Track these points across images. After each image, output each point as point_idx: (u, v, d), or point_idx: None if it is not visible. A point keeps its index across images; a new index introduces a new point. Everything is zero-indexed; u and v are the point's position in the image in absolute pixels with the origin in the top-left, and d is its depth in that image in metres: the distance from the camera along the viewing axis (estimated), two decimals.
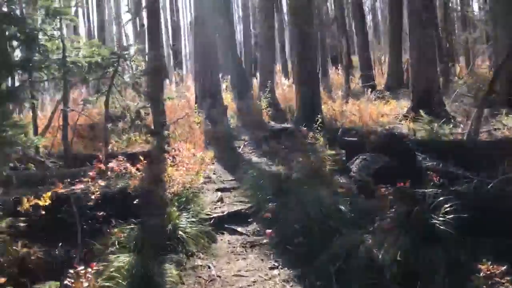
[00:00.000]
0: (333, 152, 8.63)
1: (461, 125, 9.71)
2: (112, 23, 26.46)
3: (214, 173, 8.23)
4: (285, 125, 12.54)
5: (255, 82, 19.43)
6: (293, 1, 11.38)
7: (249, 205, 6.36)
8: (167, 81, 14.96)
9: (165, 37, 25.07)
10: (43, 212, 4.58)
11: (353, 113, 12.31)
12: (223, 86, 16.06)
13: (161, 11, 26.11)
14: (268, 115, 14.59)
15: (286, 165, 8.41)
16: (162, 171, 6.04)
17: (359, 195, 5.92)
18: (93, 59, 6.84)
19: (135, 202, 5.32)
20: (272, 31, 16.76)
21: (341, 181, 6.82)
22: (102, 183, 5.22)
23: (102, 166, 6.62)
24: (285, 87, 17.52)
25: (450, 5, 21.90)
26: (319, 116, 10.96)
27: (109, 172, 6.70)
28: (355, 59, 23.91)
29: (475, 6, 28.38)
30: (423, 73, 11.98)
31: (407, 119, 11.46)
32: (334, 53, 24.64)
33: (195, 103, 13.06)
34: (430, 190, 4.80)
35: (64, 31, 8.34)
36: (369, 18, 23.74)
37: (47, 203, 4.55)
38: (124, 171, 6.70)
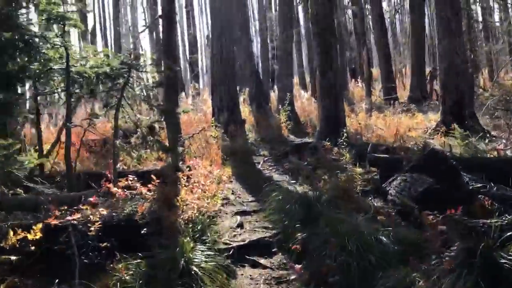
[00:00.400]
0: (362, 170, 7.77)
1: (500, 140, 8.76)
2: (129, 36, 26.05)
3: (232, 193, 7.41)
4: (307, 139, 11.71)
5: (273, 95, 18.68)
6: (314, 9, 10.60)
7: (273, 231, 5.52)
8: (183, 94, 14.29)
9: (181, 49, 24.53)
10: (33, 248, 3.81)
11: (379, 127, 11.42)
12: (241, 99, 15.33)
13: (177, 24, 25.62)
14: (287, 129, 13.80)
15: (312, 185, 7.56)
16: (175, 194, 5.26)
17: (400, 222, 5.04)
18: (101, 69, 6.12)
19: (143, 231, 4.53)
20: (290, 43, 16.02)
21: (376, 204, 5.95)
22: (103, 211, 4.42)
23: (111, 186, 5.89)
24: (304, 100, 16.72)
25: (473, 15, 20.96)
26: (343, 130, 10.12)
27: (117, 193, 5.98)
28: (375, 71, 23.06)
29: (496, 17, 27.34)
30: (453, 85, 11.07)
31: (438, 134, 10.53)
32: (353, 66, 23.84)
33: (212, 116, 12.31)
34: (495, 221, 3.91)
35: (75, 41, 7.66)
36: (388, 29, 22.84)
37: (37, 237, 3.78)
38: (134, 192, 5.99)
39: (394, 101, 17.41)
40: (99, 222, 4.23)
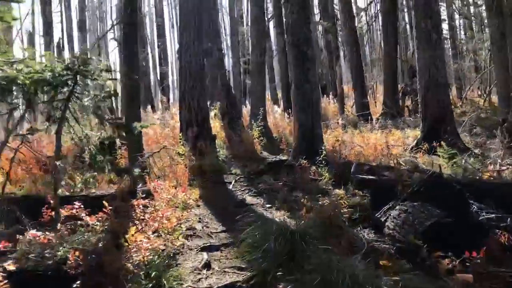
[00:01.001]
0: (345, 193, 6.74)
1: (491, 159, 7.89)
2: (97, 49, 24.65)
3: (199, 220, 6.22)
4: (281, 157, 10.64)
5: (245, 110, 17.62)
6: (289, 19, 9.63)
7: (248, 274, 4.36)
8: (149, 107, 13.06)
9: (151, 62, 23.25)
10: None
11: (357, 144, 10.46)
12: (212, 113, 14.19)
13: (148, 38, 24.42)
14: (260, 145, 12.72)
15: (290, 210, 6.48)
16: (124, 230, 4.07)
17: (404, 264, 3.97)
18: (39, 75, 4.90)
19: (75, 285, 3.31)
20: (263, 57, 15.04)
21: (369, 237, 4.89)
22: (10, 266, 3.19)
23: (50, 214, 4.69)
24: (277, 115, 15.71)
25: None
26: (321, 147, 9.11)
27: (59, 224, 4.76)
28: (345, 88, 22.32)
29: (463, 35, 27.24)
30: (434, 99, 10.26)
31: (419, 151, 9.64)
32: (324, 82, 23.07)
33: (180, 131, 11.11)
34: None
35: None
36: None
37: None
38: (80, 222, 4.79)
39: (368, 117, 16.63)
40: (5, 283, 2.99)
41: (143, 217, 4.68)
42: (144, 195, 5.85)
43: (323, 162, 8.38)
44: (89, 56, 5.34)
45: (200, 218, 6.26)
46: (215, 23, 17.69)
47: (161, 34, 23.80)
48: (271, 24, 24.05)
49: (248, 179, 9.15)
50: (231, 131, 12.93)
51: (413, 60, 20.49)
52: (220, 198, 7.66)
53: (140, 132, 8.21)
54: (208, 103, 13.32)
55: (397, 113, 15.82)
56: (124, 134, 5.14)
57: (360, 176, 6.57)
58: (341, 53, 25.16)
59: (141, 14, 19.90)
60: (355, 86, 17.75)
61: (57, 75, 5.10)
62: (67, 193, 6.06)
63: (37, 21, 25.12)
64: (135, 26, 8.81)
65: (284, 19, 10.50)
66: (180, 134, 10.96)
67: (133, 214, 5.00)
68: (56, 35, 21.82)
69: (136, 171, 5.89)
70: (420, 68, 10.47)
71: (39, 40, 23.20)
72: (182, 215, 5.84)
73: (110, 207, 4.84)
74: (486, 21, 15.97)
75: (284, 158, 10.00)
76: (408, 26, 23.26)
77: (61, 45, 21.96)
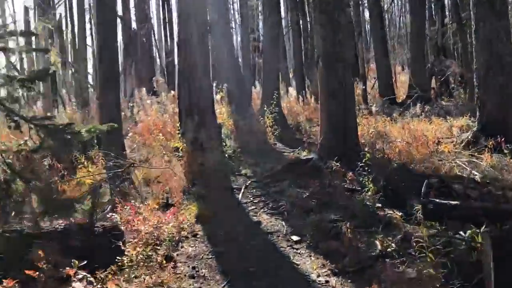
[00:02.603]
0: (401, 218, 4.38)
1: None
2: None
3: (192, 275, 3.85)
4: (302, 153, 8.26)
5: (255, 93, 15.15)
6: None
7: None
8: (143, 90, 10.61)
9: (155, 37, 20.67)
10: None
11: (395, 136, 8.02)
12: (217, 97, 11.78)
13: (151, 7, 21.79)
14: (273, 135, 10.35)
15: (330, 254, 4.12)
16: None
17: None
18: None
19: None
20: (276, 30, 12.48)
21: None
22: None
23: None
24: (292, 99, 13.24)
25: None
26: (357, 144, 6.74)
27: None
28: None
29: None
30: (496, 82, 7.77)
31: (479, 149, 7.21)
32: None
33: (179, 121, 8.74)
34: None
35: None
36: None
37: None
38: None
39: (394, 101, 14.14)
40: None
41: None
42: (109, 233, 3.54)
43: (363, 165, 6.00)
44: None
45: (194, 268, 3.91)
46: None
47: (167, 4, 21.18)
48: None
49: (261, 185, 6.80)
50: (240, 119, 10.54)
51: (439, 37, 17.90)
52: (226, 219, 5.33)
53: (119, 129, 5.87)
54: (213, 85, 10.93)
55: (427, 97, 13.27)
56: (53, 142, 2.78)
57: (439, 202, 4.16)
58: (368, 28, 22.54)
59: None
60: (379, 65, 15.16)
61: None
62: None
63: None
64: None
65: None
66: (179, 124, 8.62)
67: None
68: None
69: (87, 204, 3.56)
70: (480, 42, 7.94)
71: None
72: (160, 276, 3.50)
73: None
74: None
75: (308, 156, 7.60)
76: None
77: None
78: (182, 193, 6.20)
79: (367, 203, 5.22)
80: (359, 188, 5.83)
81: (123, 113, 10.94)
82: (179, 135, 8.12)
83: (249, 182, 6.98)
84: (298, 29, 17.48)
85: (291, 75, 20.48)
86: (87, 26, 15.71)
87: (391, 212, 5.01)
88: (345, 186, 5.99)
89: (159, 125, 9.36)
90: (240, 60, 15.65)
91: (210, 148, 7.83)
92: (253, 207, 5.81)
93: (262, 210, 5.67)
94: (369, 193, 5.47)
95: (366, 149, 7.19)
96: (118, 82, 6.35)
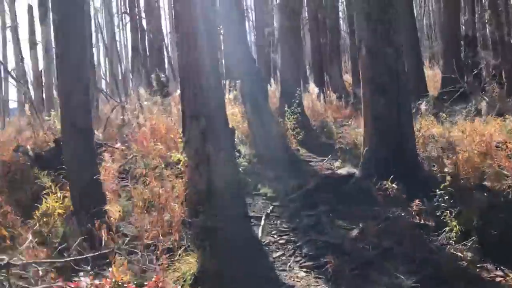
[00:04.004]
0: None
1: None
2: None
3: None
4: (337, 164, 6.30)
5: (271, 91, 13.16)
6: None
7: None
8: (141, 89, 8.66)
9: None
10: None
11: (462, 144, 5.95)
12: (229, 96, 9.85)
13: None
14: (295, 139, 8.40)
15: None
16: None
17: None
18: None
19: None
20: (297, 19, 10.49)
21: None
22: None
23: None
24: (314, 96, 11.22)
25: None
26: (414, 155, 4.75)
27: None
28: None
29: None
30: None
31: None
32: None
33: (182, 126, 6.81)
34: None
35: None
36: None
37: None
38: None
39: (427, 96, 12.00)
40: None
41: None
42: None
43: (441, 192, 3.98)
44: None
45: None
46: None
47: None
48: None
49: (288, 212, 4.86)
50: (256, 121, 8.59)
51: (469, 27, 15.65)
52: (240, 279, 3.39)
53: (88, 139, 4.00)
54: (225, 82, 9.05)
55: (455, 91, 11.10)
56: None
57: None
58: None
59: None
60: (408, 56, 12.97)
61: None
62: None
63: None
64: None
65: None
66: (182, 130, 6.71)
67: None
68: None
69: None
70: None
71: None
72: None
73: None
74: None
75: (344, 168, 5.63)
76: None
77: None
78: (180, 228, 4.32)
79: (456, 253, 3.25)
80: (433, 224, 3.86)
81: (122, 117, 9.11)
82: (182, 145, 6.23)
83: (271, 207, 5.05)
84: (316, 21, 15.46)
85: (308, 72, 18.45)
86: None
87: (499, 273, 3.03)
88: (412, 220, 4.01)
89: (161, 131, 7.47)
90: (255, 54, 13.67)
91: (220, 161, 5.90)
92: (279, 253, 3.88)
93: (293, 259, 3.73)
94: (452, 233, 3.50)
95: (423, 161, 5.20)
96: (86, 79, 4.45)
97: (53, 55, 10.22)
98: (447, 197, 3.65)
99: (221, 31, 10.50)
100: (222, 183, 5.34)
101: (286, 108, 8.62)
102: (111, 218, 3.84)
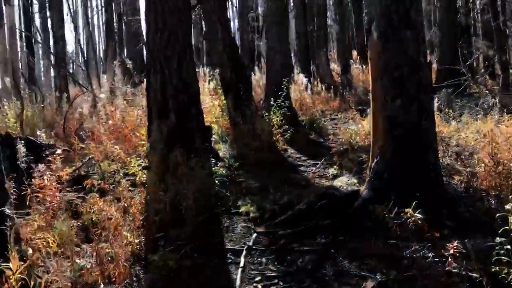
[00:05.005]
0: None
1: None
2: None
3: None
4: (333, 171, 5.09)
5: (254, 81, 11.81)
6: None
7: None
8: (104, 79, 7.08)
9: None
10: None
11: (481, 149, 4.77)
12: (208, 85, 8.48)
13: None
14: (282, 138, 7.15)
15: None
16: None
17: None
18: None
19: None
20: (284, 3, 9.12)
21: None
22: None
23: None
24: (302, 88, 9.91)
25: None
26: (438, 171, 3.54)
27: None
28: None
29: None
30: None
31: None
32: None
33: (148, 123, 5.46)
34: None
35: None
36: None
37: None
38: None
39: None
40: None
41: None
42: None
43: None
44: None
45: None
46: None
47: None
48: None
49: (276, 243, 3.59)
50: (238, 116, 7.28)
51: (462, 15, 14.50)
52: None
53: None
54: (201, 70, 7.68)
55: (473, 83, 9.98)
56: None
57: None
58: None
59: None
60: None
61: None
62: None
63: None
64: None
65: None
66: (148, 129, 5.35)
67: None
68: None
69: None
70: None
71: None
72: None
73: None
74: None
75: (356, 188, 4.35)
76: None
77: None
78: (128, 270, 3.05)
79: None
80: (478, 277, 2.66)
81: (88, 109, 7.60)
82: (144, 148, 4.91)
83: (254, 235, 3.78)
84: (302, 7, 14.07)
85: (293, 60, 17.11)
86: None
87: None
88: (448, 268, 2.80)
89: (124, 130, 6.07)
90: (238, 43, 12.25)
91: (191, 171, 4.60)
92: None
93: None
94: None
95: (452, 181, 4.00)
96: None
97: None
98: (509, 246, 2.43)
99: (202, 14, 9.08)
100: (192, 201, 4.07)
101: (272, 102, 7.32)
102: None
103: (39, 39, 15.28)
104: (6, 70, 11.66)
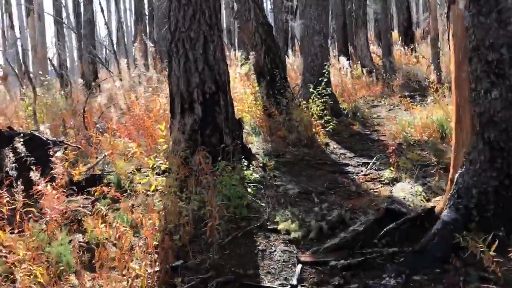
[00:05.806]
0: None
1: None
2: None
3: None
4: (389, 174, 4.10)
5: (289, 65, 10.77)
6: None
7: None
8: (124, 62, 6.30)
9: None
10: None
11: None
12: (240, 71, 7.53)
13: None
14: (323, 130, 6.16)
15: None
16: None
17: None
18: None
19: None
20: None
21: None
22: None
23: None
24: (343, 71, 8.79)
25: None
26: None
27: None
28: (395, 34, 14.77)
29: None
30: None
31: None
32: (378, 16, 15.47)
33: (171, 116, 4.62)
34: None
35: None
36: None
37: None
38: None
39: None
40: None
41: None
42: None
43: None
44: None
45: None
46: None
47: None
48: None
49: (327, 285, 2.68)
50: (273, 104, 6.33)
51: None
52: None
53: None
54: (231, 54, 6.73)
55: None
56: None
57: None
58: None
59: None
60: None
61: None
62: None
63: None
64: None
65: None
66: (170, 122, 4.52)
67: None
68: None
69: None
70: None
71: None
72: None
73: None
74: None
75: (413, 191, 3.39)
76: None
77: None
78: None
79: None
80: None
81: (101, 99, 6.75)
82: (164, 146, 4.07)
83: (299, 267, 2.87)
84: None
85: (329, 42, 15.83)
86: None
87: None
88: None
89: (147, 122, 5.26)
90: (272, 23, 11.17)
91: (219, 176, 3.72)
92: None
93: None
94: None
95: None
96: None
97: None
98: None
99: None
100: (219, 216, 3.20)
101: (311, 89, 6.32)
102: None
103: (70, 24, 14.73)
104: (36, 55, 11.20)
